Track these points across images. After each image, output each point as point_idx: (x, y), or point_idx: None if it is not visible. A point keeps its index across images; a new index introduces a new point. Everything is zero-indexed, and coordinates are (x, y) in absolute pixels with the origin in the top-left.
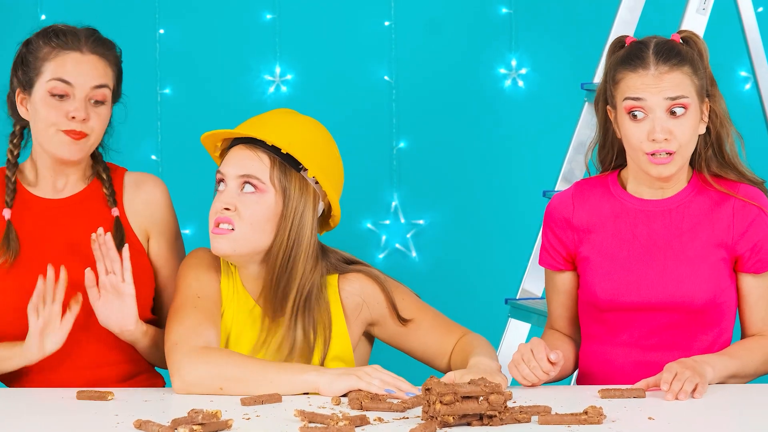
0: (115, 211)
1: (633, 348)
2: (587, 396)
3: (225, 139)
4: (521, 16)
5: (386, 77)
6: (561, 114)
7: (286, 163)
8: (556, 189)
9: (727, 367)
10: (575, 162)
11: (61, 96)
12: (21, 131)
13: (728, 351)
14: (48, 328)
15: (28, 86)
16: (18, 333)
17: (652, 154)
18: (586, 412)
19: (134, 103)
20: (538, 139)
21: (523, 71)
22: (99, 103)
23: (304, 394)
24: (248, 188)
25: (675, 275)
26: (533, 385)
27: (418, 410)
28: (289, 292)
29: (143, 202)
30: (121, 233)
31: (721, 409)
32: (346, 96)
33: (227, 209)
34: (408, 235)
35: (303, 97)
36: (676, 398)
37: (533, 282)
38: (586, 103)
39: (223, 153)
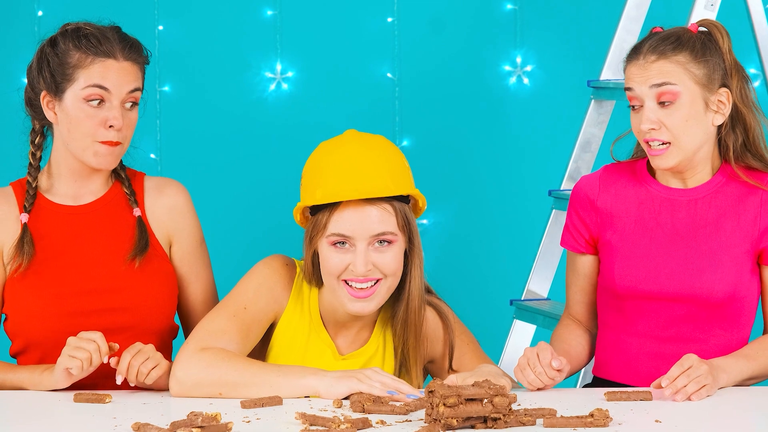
0: (137, 212)
1: (648, 338)
2: (593, 398)
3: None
4: (526, 12)
5: (389, 74)
6: (567, 112)
7: (402, 202)
8: (562, 188)
9: (742, 371)
10: (582, 160)
11: (98, 102)
12: (42, 129)
13: (745, 352)
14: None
15: (57, 91)
16: (40, 338)
17: (649, 145)
18: (592, 415)
19: None
20: (544, 137)
21: (529, 68)
22: (133, 105)
23: (305, 397)
24: (381, 243)
25: (696, 266)
26: (539, 390)
27: (421, 413)
28: (420, 329)
29: (166, 208)
30: (145, 235)
31: (729, 412)
32: (348, 93)
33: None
34: None
35: (304, 94)
36: (674, 399)
37: (539, 283)
38: (593, 101)
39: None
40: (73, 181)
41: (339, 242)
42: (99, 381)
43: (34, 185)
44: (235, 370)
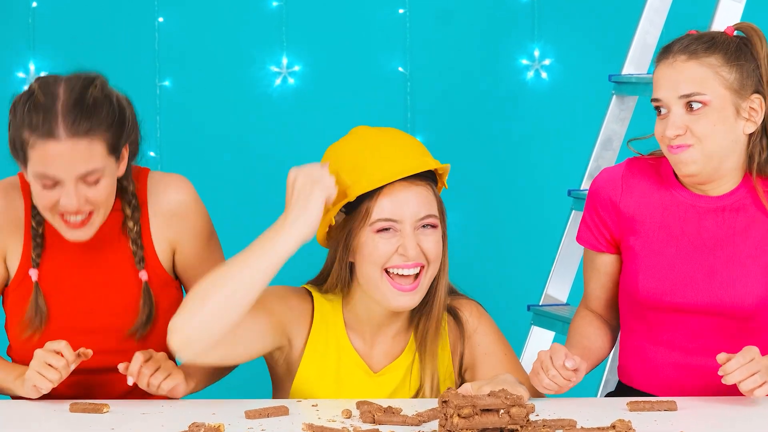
0: (144, 275)
1: (674, 349)
2: (615, 408)
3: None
4: (545, 2)
5: (400, 68)
6: (587, 108)
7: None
8: (582, 188)
9: None
10: (602, 159)
11: (52, 184)
12: None
13: None
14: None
15: (22, 162)
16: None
17: (671, 148)
18: (613, 426)
19: (132, 96)
20: (563, 134)
21: (547, 62)
22: (93, 183)
23: (309, 404)
24: (425, 227)
25: (724, 278)
26: (557, 393)
27: (434, 424)
28: (434, 319)
29: (166, 217)
30: (148, 305)
31: (758, 424)
32: (357, 88)
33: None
34: None
35: (311, 89)
36: (738, 381)
37: (557, 287)
38: (614, 96)
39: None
40: None
41: (384, 228)
42: (95, 388)
43: (40, 231)
44: (210, 276)
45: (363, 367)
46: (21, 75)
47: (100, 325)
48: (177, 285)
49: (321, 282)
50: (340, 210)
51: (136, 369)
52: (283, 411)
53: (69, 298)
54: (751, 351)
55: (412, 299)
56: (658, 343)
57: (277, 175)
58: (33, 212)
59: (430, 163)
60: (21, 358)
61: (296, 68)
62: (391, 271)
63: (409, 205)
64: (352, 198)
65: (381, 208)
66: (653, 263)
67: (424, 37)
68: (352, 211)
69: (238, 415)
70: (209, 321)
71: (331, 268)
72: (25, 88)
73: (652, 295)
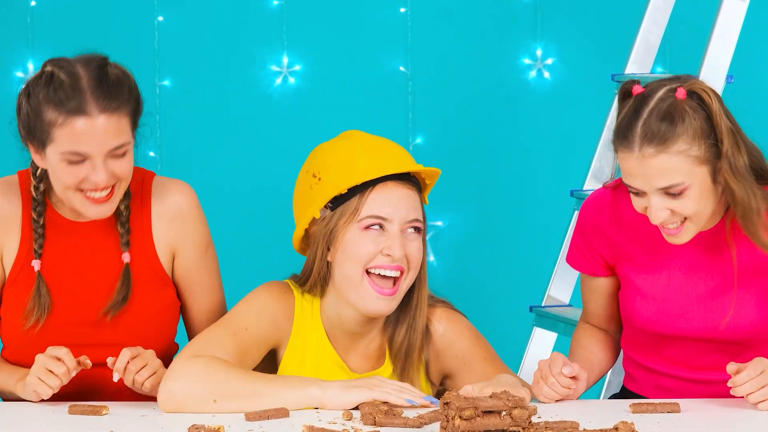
0: (126, 257)
1: (677, 364)
2: (618, 410)
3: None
4: (546, 2)
5: (401, 68)
6: (590, 108)
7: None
8: (584, 188)
9: None
10: (605, 159)
11: (80, 160)
12: None
13: None
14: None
15: (40, 145)
16: (30, 362)
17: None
18: (616, 428)
19: None
20: (566, 134)
21: (549, 62)
22: (120, 156)
23: (315, 408)
24: (411, 231)
25: (716, 307)
26: (559, 402)
27: (436, 426)
28: (419, 332)
29: (168, 219)
30: (125, 288)
31: (762, 424)
32: (358, 88)
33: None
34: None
35: (312, 89)
36: (748, 394)
37: (560, 288)
38: (617, 96)
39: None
40: (70, 210)
41: (373, 225)
42: (92, 393)
43: (41, 222)
44: (233, 378)
45: (343, 366)
46: (19, 74)
47: (95, 316)
48: (174, 288)
49: (302, 282)
50: (325, 206)
51: (122, 365)
52: (284, 413)
53: (67, 286)
54: (762, 363)
55: (390, 305)
56: (662, 357)
57: (277, 174)
58: (33, 204)
59: (421, 167)
60: (16, 358)
61: (297, 68)
62: (372, 271)
63: (399, 205)
64: (343, 189)
65: (371, 205)
66: (647, 294)
67: (426, 37)
68: (339, 206)
69: (238, 416)
70: (210, 409)
71: (312, 266)
72: (34, 74)
73: (649, 324)
